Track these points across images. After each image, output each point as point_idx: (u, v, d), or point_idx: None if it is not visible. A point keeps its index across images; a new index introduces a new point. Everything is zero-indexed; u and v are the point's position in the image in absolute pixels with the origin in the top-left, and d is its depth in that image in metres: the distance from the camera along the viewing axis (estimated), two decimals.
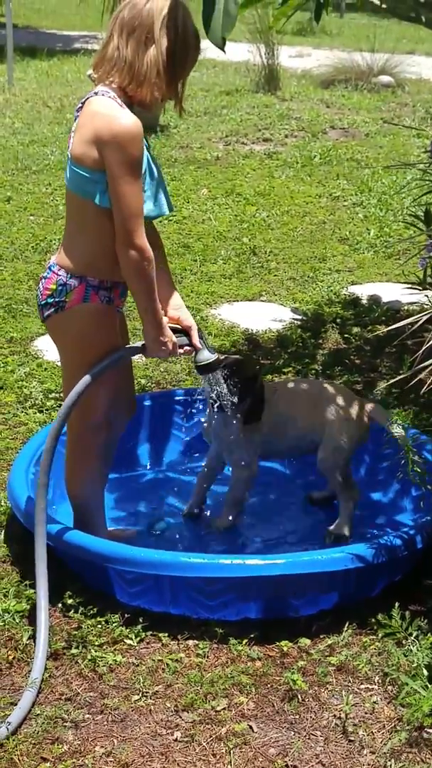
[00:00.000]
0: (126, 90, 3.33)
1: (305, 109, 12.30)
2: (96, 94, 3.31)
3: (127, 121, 3.22)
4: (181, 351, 3.52)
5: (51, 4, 24.76)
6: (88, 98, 3.34)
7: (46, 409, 4.76)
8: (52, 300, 3.40)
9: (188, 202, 8.39)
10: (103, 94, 3.29)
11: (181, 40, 3.31)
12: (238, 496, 3.81)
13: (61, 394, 4.64)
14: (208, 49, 3.58)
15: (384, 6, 5.44)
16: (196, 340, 3.55)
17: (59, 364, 4.93)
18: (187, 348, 3.54)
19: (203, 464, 4.04)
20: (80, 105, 3.37)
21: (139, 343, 3.49)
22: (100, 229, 3.32)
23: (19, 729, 2.92)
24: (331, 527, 3.85)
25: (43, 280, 3.44)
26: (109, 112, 3.24)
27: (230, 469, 3.94)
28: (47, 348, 5.39)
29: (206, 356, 3.57)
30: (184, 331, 3.54)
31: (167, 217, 7.86)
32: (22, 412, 4.75)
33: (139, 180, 3.27)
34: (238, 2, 3.69)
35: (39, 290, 3.47)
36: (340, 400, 3.89)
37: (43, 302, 3.44)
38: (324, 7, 5.54)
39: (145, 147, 3.35)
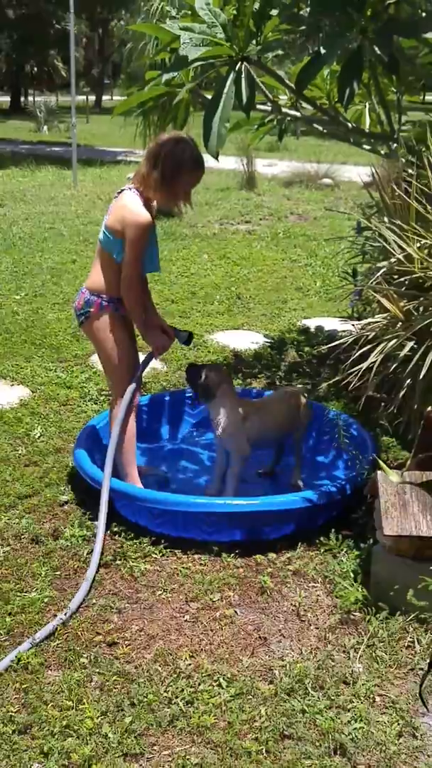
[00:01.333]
0: (141, 192, 3.48)
1: (273, 201, 12.33)
2: (129, 189, 3.51)
3: (142, 217, 3.42)
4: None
5: (102, 130, 24.77)
6: (123, 190, 3.53)
7: (99, 401, 4.80)
8: (82, 311, 3.61)
9: (194, 264, 8.40)
10: (132, 191, 3.49)
11: (175, 167, 3.42)
12: (236, 471, 3.73)
13: (109, 391, 4.70)
14: (209, 160, 3.65)
15: (326, 131, 5.51)
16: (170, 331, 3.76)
17: None
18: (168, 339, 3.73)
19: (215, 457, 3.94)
20: (117, 194, 3.55)
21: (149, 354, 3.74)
22: (113, 272, 3.55)
23: (80, 612, 2.99)
24: (297, 482, 3.86)
25: (77, 299, 3.66)
26: (133, 208, 3.43)
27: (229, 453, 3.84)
28: (99, 361, 5.44)
29: (182, 335, 3.77)
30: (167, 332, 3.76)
31: (180, 273, 7.93)
32: (83, 404, 4.79)
33: (140, 255, 3.48)
34: (227, 127, 3.78)
35: (74, 305, 3.70)
36: (300, 399, 3.91)
37: (77, 313, 3.65)
38: (284, 133, 5.63)
39: (152, 227, 3.53)
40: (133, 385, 3.63)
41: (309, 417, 3.96)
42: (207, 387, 3.70)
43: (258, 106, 5.00)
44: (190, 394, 4.43)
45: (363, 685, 2.62)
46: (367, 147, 5.27)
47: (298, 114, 5.12)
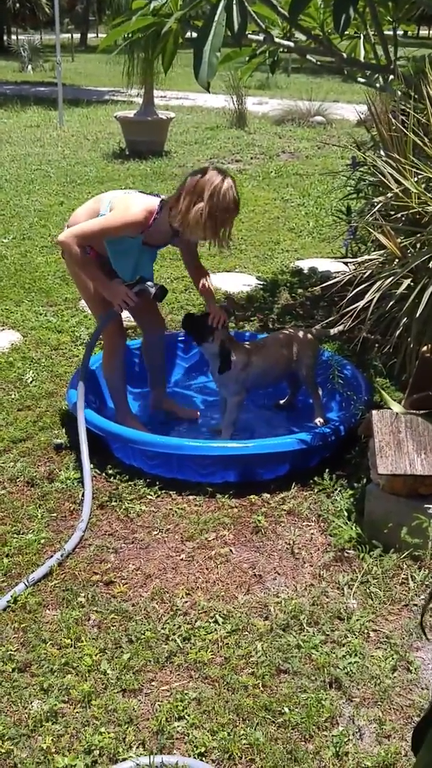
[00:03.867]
0: (170, 221, 3.51)
1: (264, 140, 12.14)
2: (161, 202, 3.55)
3: (133, 217, 3.47)
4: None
5: (88, 69, 24.26)
6: (160, 198, 3.59)
7: None
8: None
9: None
10: (159, 203, 3.54)
11: (222, 205, 3.43)
12: (232, 417, 3.74)
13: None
14: (197, 98, 3.58)
15: (319, 63, 5.40)
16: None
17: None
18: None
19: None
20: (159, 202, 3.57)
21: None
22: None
23: (77, 553, 3.02)
24: (317, 420, 3.81)
25: None
26: (138, 204, 3.50)
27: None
28: None
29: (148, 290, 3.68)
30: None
31: None
32: (75, 348, 4.77)
33: (105, 231, 3.51)
34: (218, 57, 3.69)
35: None
36: (299, 341, 3.87)
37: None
38: (277, 64, 5.53)
39: (138, 241, 3.57)
40: (98, 329, 3.73)
41: (313, 355, 3.89)
42: (203, 330, 3.70)
43: (250, 36, 4.90)
44: (182, 338, 4.41)
45: (357, 620, 2.66)
46: (362, 80, 5.17)
47: (291, 44, 5.01)
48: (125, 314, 3.82)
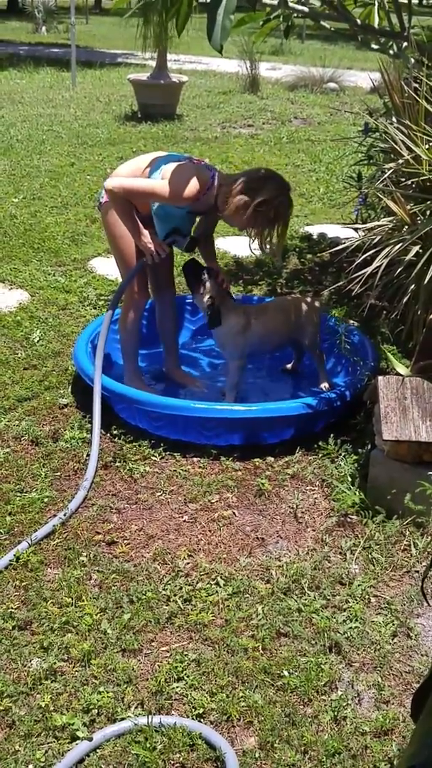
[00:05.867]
0: (218, 193, 3.44)
1: (277, 105, 11.91)
2: (213, 171, 3.48)
3: (186, 193, 3.35)
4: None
5: (102, 31, 23.85)
6: (213, 169, 3.52)
7: (99, 306, 4.68)
8: (98, 196, 3.74)
9: None
10: (211, 178, 3.44)
11: (268, 214, 3.39)
12: (233, 380, 3.66)
13: (108, 296, 4.64)
14: (210, 63, 3.47)
15: (333, 29, 5.26)
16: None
17: (108, 276, 4.92)
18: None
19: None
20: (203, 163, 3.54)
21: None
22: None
23: (79, 513, 2.97)
24: (322, 385, 3.73)
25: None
26: (193, 179, 3.37)
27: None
28: (98, 265, 5.33)
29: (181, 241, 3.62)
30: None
31: None
32: (82, 308, 4.68)
33: (152, 192, 3.40)
34: (232, 20, 3.56)
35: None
36: (303, 307, 3.78)
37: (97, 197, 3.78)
38: (291, 29, 5.37)
39: (186, 211, 3.52)
40: (127, 278, 3.64)
41: (316, 322, 3.80)
42: (194, 279, 3.68)
43: (264, 1, 4.75)
44: (190, 300, 4.33)
45: (359, 586, 2.61)
46: (375, 46, 5.02)
47: (305, 9, 4.86)
48: None
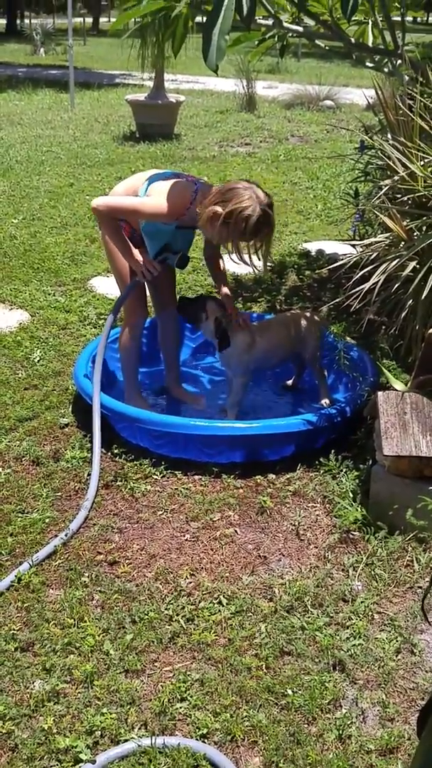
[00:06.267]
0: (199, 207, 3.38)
1: (274, 123, 11.99)
2: (198, 185, 3.45)
3: (165, 207, 3.34)
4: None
5: (100, 53, 24.05)
6: (199, 183, 3.48)
7: (99, 325, 4.68)
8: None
9: None
10: (194, 192, 3.40)
11: (238, 227, 3.29)
12: (237, 398, 3.66)
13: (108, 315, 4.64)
14: (207, 82, 3.50)
15: (328, 48, 5.30)
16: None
17: (108, 295, 4.93)
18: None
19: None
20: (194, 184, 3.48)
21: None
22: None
23: (81, 533, 2.95)
24: (323, 401, 3.72)
25: None
26: (173, 194, 3.36)
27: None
28: (98, 285, 5.34)
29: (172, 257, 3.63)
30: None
31: None
32: (82, 328, 4.69)
33: (139, 213, 3.42)
34: (227, 40, 3.59)
35: None
36: (304, 322, 3.78)
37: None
38: (286, 48, 5.41)
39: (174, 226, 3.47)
40: (122, 297, 3.66)
41: (317, 337, 3.79)
42: (194, 311, 3.68)
43: (259, 21, 4.79)
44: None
45: (362, 602, 2.59)
46: (370, 64, 5.07)
47: (299, 29, 4.90)
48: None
